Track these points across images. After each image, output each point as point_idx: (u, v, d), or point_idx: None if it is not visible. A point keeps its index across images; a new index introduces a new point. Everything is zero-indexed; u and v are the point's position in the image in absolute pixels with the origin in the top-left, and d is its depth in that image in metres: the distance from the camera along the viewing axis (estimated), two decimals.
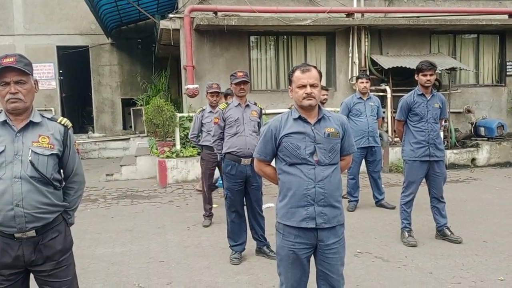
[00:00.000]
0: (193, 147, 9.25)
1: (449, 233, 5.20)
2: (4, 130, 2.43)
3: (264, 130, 2.87)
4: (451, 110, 10.67)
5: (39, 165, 2.40)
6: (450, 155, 9.96)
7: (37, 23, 15.12)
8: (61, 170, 2.59)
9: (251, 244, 4.95)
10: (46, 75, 14.71)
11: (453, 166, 9.92)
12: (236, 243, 4.82)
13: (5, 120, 2.43)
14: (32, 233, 2.41)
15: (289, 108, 9.40)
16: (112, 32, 15.37)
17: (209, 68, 10.38)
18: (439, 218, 5.22)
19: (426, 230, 5.52)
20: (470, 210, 6.54)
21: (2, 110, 2.48)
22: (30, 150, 2.40)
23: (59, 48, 15.37)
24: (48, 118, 2.54)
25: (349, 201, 6.69)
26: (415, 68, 5.15)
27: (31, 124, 2.46)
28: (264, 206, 5.23)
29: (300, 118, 2.77)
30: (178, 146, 9.46)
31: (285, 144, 2.75)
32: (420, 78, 5.00)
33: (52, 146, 2.47)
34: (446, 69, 10.35)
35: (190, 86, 9.74)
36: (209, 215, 6.27)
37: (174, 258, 4.89)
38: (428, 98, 5.05)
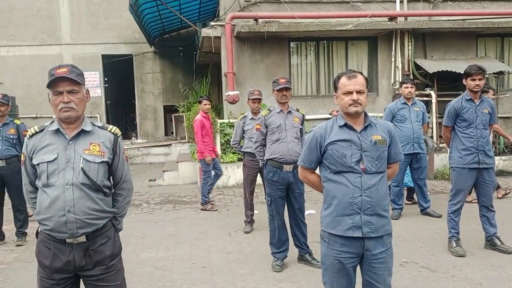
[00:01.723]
0: (233, 153, 9.30)
1: (499, 243, 5.00)
2: (57, 138, 2.50)
3: (309, 137, 2.84)
4: (499, 115, 10.27)
5: (90, 172, 2.47)
6: (499, 162, 9.59)
7: (83, 33, 15.64)
8: (111, 177, 2.65)
9: (293, 251, 4.92)
10: (92, 83, 15.18)
11: (502, 173, 9.55)
12: (278, 250, 4.80)
13: (58, 129, 2.51)
14: (83, 238, 2.47)
15: (329, 114, 9.38)
16: (155, 40, 15.71)
17: (249, 75, 10.43)
18: (489, 227, 5.03)
19: (474, 239, 5.33)
20: None
21: (54, 119, 2.56)
22: (82, 157, 2.47)
23: (104, 56, 15.84)
24: (98, 127, 2.60)
25: (393, 209, 6.54)
26: (461, 72, 5.01)
27: (83, 132, 2.52)
28: (306, 213, 5.19)
29: (346, 125, 2.72)
30: (219, 152, 9.52)
31: (331, 152, 2.71)
32: (469, 82, 4.85)
33: (102, 154, 2.53)
34: (493, 73, 10.02)
35: (231, 93, 9.82)
36: (250, 221, 6.28)
37: (217, 264, 4.92)
38: (477, 104, 4.89)
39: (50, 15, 15.49)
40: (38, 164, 2.48)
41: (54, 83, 2.44)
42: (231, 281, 4.41)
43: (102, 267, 2.54)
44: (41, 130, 2.55)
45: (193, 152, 10.35)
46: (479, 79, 4.80)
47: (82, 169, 2.44)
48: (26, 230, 5.98)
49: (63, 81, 2.44)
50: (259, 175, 6.25)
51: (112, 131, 2.62)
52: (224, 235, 6.04)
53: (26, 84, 15.21)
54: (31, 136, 2.55)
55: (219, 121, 9.75)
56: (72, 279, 2.56)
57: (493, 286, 4.10)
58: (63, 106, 2.45)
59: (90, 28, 15.69)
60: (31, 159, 2.52)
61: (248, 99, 6.32)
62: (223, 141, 9.59)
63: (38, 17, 15.40)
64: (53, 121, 2.56)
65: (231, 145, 6.85)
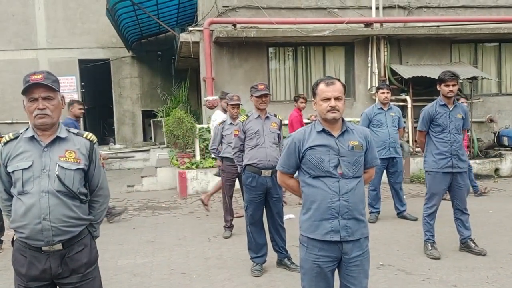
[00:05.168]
0: (212, 158, 9.29)
1: (473, 245, 5.10)
2: (31, 145, 2.48)
3: (287, 142, 2.88)
4: (473, 120, 10.52)
5: (66, 180, 2.45)
6: (473, 165, 9.73)
7: (60, 37, 15.43)
8: (87, 184, 2.63)
9: (272, 256, 4.94)
10: (69, 88, 14.95)
11: (476, 176, 9.69)
12: (257, 255, 4.81)
13: (33, 136, 2.48)
14: (59, 246, 2.45)
15: (308, 119, 9.46)
16: (133, 45, 15.61)
17: (228, 80, 10.45)
18: (463, 230, 5.14)
19: (449, 242, 5.43)
20: (494, 222, 6.42)
21: (29, 126, 2.53)
22: (57, 164, 2.44)
23: (81, 61, 15.65)
24: (74, 133, 2.58)
25: (370, 213, 6.62)
26: (435, 77, 5.11)
27: (58, 139, 2.50)
28: (285, 217, 5.21)
29: (323, 131, 2.76)
30: (198, 157, 9.52)
31: (309, 156, 2.75)
32: (443, 88, 4.95)
33: (78, 161, 2.51)
34: (467, 78, 10.24)
35: (210, 98, 9.82)
36: (229, 226, 6.27)
37: (196, 269, 4.90)
38: (451, 109, 4.99)
39: (25, 19, 15.26)
40: (13, 172, 2.45)
41: (29, 89, 2.42)
42: (209, 287, 4.40)
43: (79, 275, 2.52)
44: (16, 137, 2.52)
45: (172, 158, 10.30)
46: (453, 85, 4.90)
47: (58, 176, 2.42)
48: (2, 238, 5.87)
49: (38, 88, 2.42)
50: (237, 180, 6.26)
51: (88, 137, 2.60)
52: (203, 240, 6.02)
53: (1, 89, 14.95)
54: (5, 144, 2.52)
55: (198, 126, 9.73)
56: (48, 287, 2.53)
57: (468, 287, 4.18)
58: (38, 113, 2.43)
59: (66, 33, 15.49)
60: (6, 166, 2.48)
61: (227, 104, 6.33)
62: (202, 146, 9.59)
63: (13, 21, 15.16)
64: (27, 128, 2.53)
65: (210, 150, 6.84)
